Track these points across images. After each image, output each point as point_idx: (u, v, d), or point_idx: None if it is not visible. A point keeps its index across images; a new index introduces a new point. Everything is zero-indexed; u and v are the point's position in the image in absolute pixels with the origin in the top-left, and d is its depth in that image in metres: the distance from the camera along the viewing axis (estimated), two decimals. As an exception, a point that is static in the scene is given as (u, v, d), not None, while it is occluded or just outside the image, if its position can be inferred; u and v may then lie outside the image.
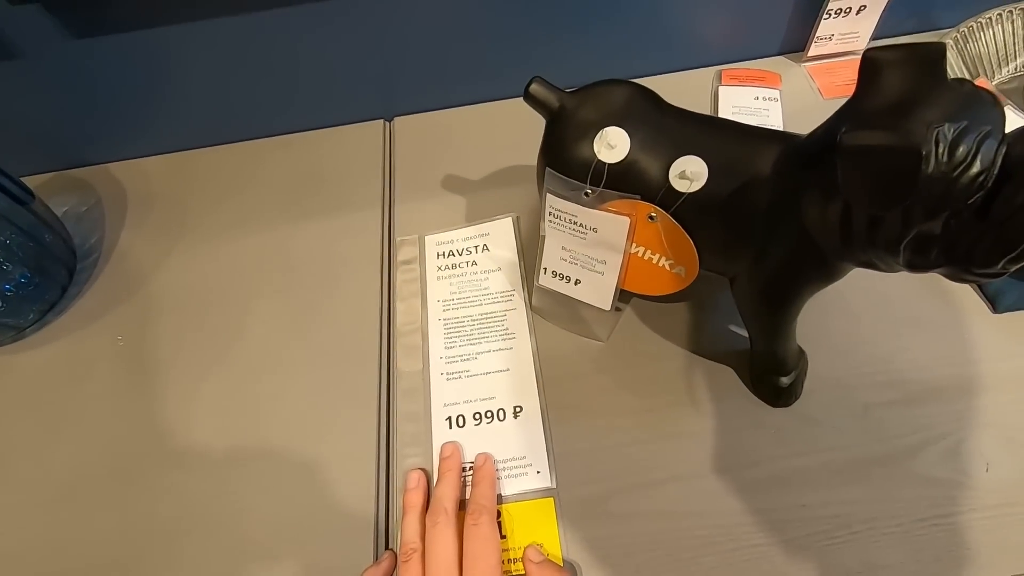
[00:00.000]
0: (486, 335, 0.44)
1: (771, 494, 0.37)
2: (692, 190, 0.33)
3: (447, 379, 0.43)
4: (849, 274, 0.45)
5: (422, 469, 0.39)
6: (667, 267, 0.37)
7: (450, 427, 0.40)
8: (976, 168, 0.25)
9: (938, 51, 0.28)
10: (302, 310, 0.48)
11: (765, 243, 0.33)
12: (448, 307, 0.46)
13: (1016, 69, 0.52)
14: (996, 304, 0.42)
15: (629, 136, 0.34)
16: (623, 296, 0.44)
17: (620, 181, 0.35)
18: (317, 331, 0.47)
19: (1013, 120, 0.47)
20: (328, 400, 0.43)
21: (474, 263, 0.48)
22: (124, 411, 0.44)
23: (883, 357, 0.41)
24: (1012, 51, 0.52)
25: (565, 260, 0.41)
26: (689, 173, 0.33)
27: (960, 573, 0.33)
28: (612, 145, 0.34)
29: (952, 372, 0.40)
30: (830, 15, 0.54)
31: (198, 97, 0.56)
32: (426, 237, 0.50)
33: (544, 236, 0.40)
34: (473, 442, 0.40)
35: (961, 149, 0.25)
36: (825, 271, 0.33)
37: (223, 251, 0.52)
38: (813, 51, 0.57)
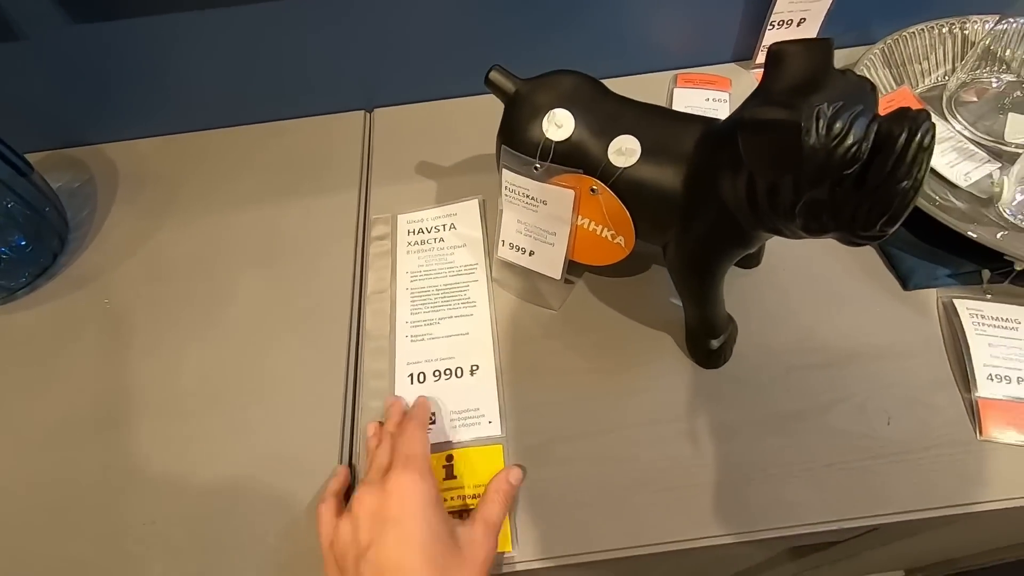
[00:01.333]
0: (449, 303, 0.48)
1: (698, 443, 0.41)
2: (627, 165, 0.38)
3: (411, 341, 0.46)
4: (781, 255, 0.50)
5: (380, 422, 0.43)
6: (609, 237, 0.41)
7: (412, 383, 0.44)
8: (849, 140, 0.30)
9: (827, 46, 0.33)
10: (282, 279, 0.52)
11: (689, 214, 0.37)
12: (415, 278, 0.50)
13: (937, 80, 0.57)
14: (907, 282, 0.46)
15: (574, 117, 0.39)
16: (576, 270, 0.48)
17: (566, 158, 0.39)
18: (295, 298, 0.50)
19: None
20: (302, 358, 0.47)
21: (441, 240, 0.52)
22: (109, 367, 0.48)
23: (807, 327, 0.45)
24: (934, 63, 0.57)
25: (520, 232, 0.45)
26: (624, 150, 0.38)
27: (859, 509, 0.38)
28: (559, 125, 0.39)
29: (865, 341, 0.44)
30: (773, 26, 0.59)
31: (191, 84, 0.60)
32: (398, 216, 0.54)
33: (502, 210, 0.45)
34: (432, 396, 0.43)
35: (837, 125, 0.30)
36: (741, 238, 0.37)
37: (210, 226, 0.56)
38: (760, 59, 0.63)
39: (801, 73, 0.33)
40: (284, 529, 0.39)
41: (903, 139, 0.29)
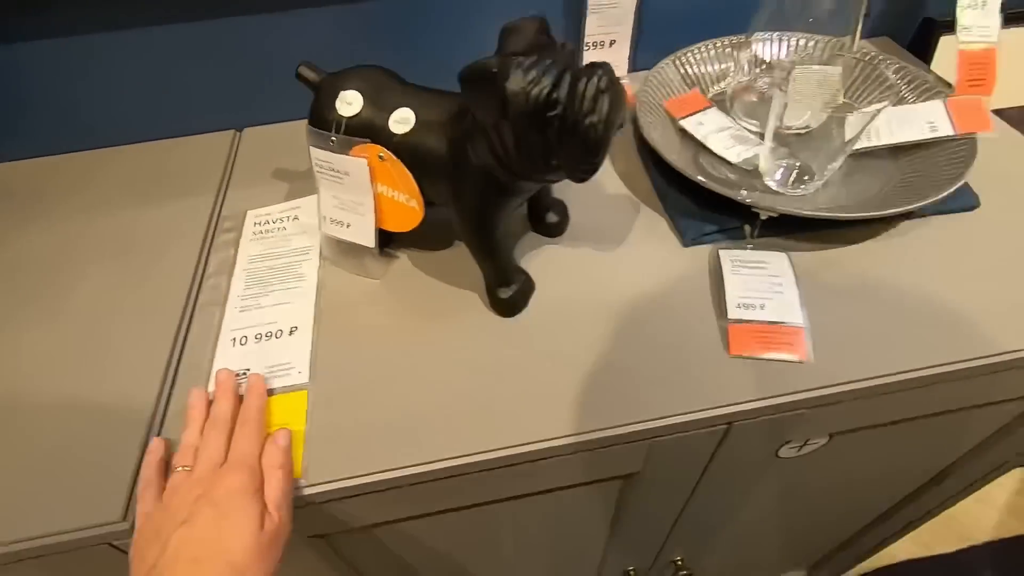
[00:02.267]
0: (280, 279, 0.52)
1: (488, 375, 0.45)
2: (404, 132, 0.44)
3: (240, 311, 0.50)
4: (584, 225, 0.56)
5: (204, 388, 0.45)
6: (404, 201, 0.47)
7: (234, 345, 0.47)
8: (543, 84, 0.37)
9: (540, 21, 0.41)
10: (127, 270, 0.55)
11: (456, 173, 0.43)
12: (254, 261, 0.54)
13: (722, 87, 0.67)
14: (683, 237, 0.53)
15: (363, 97, 0.46)
16: (402, 244, 0.53)
17: (358, 131, 0.45)
18: (137, 284, 0.54)
19: (717, 121, 0.62)
20: (138, 333, 0.49)
21: (284, 228, 0.57)
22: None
23: (600, 282, 0.51)
24: (718, 72, 0.67)
25: (336, 207, 0.50)
26: (401, 119, 0.44)
27: (628, 417, 0.42)
28: (349, 103, 0.45)
29: (650, 289, 0.50)
30: (589, 47, 0.69)
31: (65, 107, 0.65)
32: (247, 212, 0.59)
33: (319, 188, 0.50)
34: (251, 355, 0.47)
35: (533, 73, 0.37)
36: (502, 189, 0.43)
37: (65, 232, 0.59)
38: (584, 76, 0.72)
39: (523, 43, 0.40)
40: (99, 481, 0.41)
41: (584, 82, 0.36)
